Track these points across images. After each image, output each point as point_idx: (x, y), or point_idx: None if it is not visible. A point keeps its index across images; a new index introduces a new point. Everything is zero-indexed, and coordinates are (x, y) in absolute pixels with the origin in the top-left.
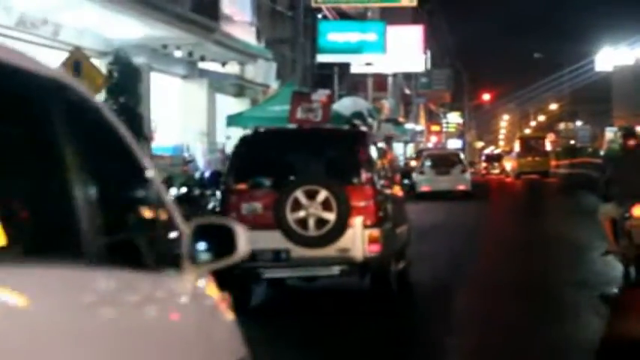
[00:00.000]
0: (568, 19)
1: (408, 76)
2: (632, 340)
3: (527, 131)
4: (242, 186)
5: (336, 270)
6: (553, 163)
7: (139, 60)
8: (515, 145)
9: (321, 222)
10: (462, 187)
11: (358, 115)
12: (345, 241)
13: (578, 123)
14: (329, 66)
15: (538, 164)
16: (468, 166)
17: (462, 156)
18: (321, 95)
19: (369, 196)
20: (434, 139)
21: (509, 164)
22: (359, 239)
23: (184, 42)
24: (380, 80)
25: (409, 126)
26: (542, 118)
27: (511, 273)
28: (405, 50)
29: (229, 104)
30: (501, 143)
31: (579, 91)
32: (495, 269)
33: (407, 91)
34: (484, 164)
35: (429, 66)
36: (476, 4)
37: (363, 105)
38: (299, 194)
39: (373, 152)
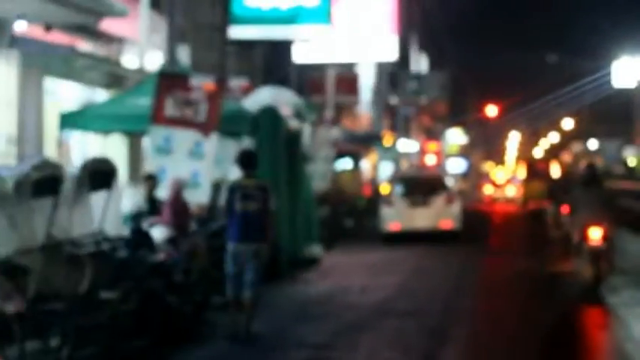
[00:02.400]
0: (583, 27)
1: (394, 82)
2: None
3: (538, 151)
4: None
5: None
6: None
7: None
8: (521, 170)
9: None
10: (446, 225)
11: (268, 112)
12: None
13: (593, 142)
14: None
15: (546, 191)
16: (456, 193)
17: (447, 180)
18: (204, 81)
19: None
20: (431, 159)
21: (511, 190)
22: None
23: None
24: (346, 78)
25: (401, 143)
26: (554, 137)
27: None
28: (371, 31)
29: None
30: (509, 165)
31: (596, 106)
32: None
33: (392, 101)
34: (490, 189)
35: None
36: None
37: (286, 99)
38: None
39: None
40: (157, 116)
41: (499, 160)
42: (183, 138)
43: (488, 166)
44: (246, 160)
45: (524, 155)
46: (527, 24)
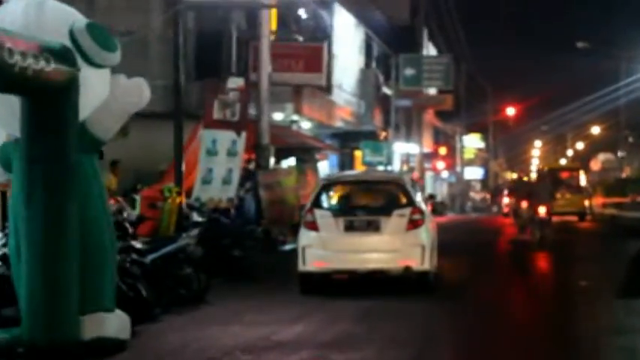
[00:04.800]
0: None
1: (387, 70)
2: None
3: (563, 162)
4: None
5: None
6: (598, 201)
7: None
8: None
9: None
10: (409, 263)
11: None
12: None
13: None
14: None
15: (570, 203)
16: (424, 212)
17: (409, 187)
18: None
19: None
20: (441, 165)
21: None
22: None
23: None
24: (308, 49)
25: (399, 144)
26: (580, 145)
27: None
28: None
29: None
30: (533, 175)
31: (633, 108)
32: None
33: (386, 90)
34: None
35: None
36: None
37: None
38: None
39: None
40: (207, 121)
41: (523, 170)
42: (224, 138)
43: (509, 176)
44: None
45: (549, 163)
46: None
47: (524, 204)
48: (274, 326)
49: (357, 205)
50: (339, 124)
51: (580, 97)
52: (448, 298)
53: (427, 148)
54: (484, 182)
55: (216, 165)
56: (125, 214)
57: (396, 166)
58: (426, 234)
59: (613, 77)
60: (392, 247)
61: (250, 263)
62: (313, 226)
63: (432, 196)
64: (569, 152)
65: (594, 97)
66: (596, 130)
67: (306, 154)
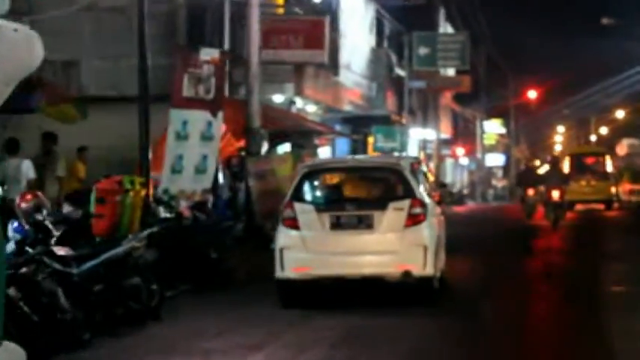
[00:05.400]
0: None
1: (399, 51)
2: None
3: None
4: None
5: None
6: (625, 187)
7: None
8: (565, 165)
9: None
10: (407, 266)
11: None
12: None
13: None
14: None
15: (596, 191)
16: (429, 204)
17: (408, 174)
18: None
19: None
20: (461, 151)
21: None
22: None
23: None
24: (308, 22)
25: (416, 129)
26: (604, 130)
27: None
28: None
29: None
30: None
31: None
32: None
33: (399, 72)
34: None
35: None
36: None
37: None
38: None
39: None
40: (176, 99)
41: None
42: (197, 120)
43: (536, 164)
44: None
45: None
46: None
47: (530, 191)
48: (229, 357)
49: (346, 197)
50: (347, 107)
51: (604, 79)
52: (456, 313)
53: (445, 134)
54: (506, 169)
55: (187, 151)
56: (44, 212)
57: (412, 152)
58: (429, 231)
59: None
60: (388, 248)
61: (230, 267)
62: (293, 224)
63: (443, 185)
64: (593, 137)
65: (619, 78)
66: (620, 114)
67: (303, 138)
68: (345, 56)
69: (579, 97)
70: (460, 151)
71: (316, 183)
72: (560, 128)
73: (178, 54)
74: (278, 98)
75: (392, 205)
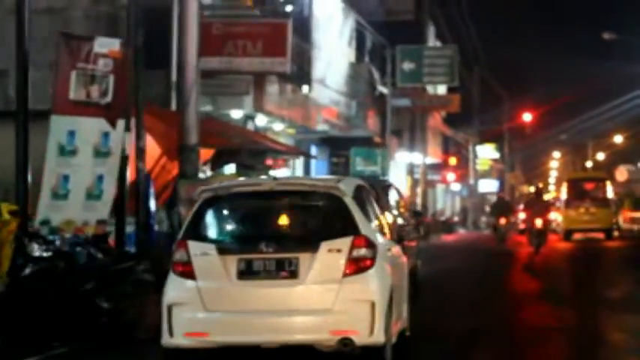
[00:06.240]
0: None
1: (382, 67)
2: None
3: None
4: None
5: None
6: (626, 215)
7: None
8: (562, 191)
9: None
10: (346, 331)
11: None
12: None
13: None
14: None
15: (596, 219)
16: (375, 237)
17: (350, 201)
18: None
19: None
20: (451, 176)
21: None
22: None
23: None
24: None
25: (402, 153)
26: (601, 156)
27: None
28: None
29: None
30: (552, 188)
31: None
32: None
33: (382, 89)
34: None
35: None
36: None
37: None
38: None
39: None
40: (59, 103)
41: (541, 183)
42: (89, 130)
43: (526, 189)
44: None
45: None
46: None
47: (502, 220)
48: None
49: (262, 233)
50: (322, 127)
51: (602, 103)
52: None
53: (435, 158)
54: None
55: (75, 170)
56: None
57: (397, 177)
58: (378, 282)
59: (637, 81)
60: (319, 306)
61: (127, 320)
62: (186, 271)
63: (417, 213)
64: (589, 164)
65: (617, 102)
66: (618, 139)
67: (255, 158)
68: (319, 70)
69: (576, 122)
70: (451, 176)
71: (221, 214)
72: (556, 154)
73: (63, 44)
74: (236, 114)
75: (325, 245)
